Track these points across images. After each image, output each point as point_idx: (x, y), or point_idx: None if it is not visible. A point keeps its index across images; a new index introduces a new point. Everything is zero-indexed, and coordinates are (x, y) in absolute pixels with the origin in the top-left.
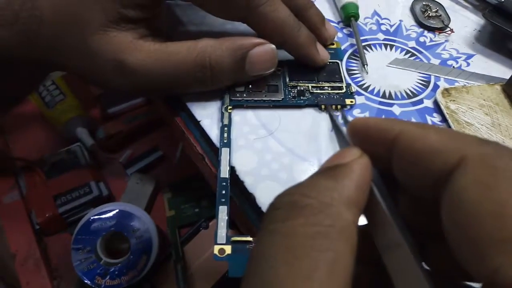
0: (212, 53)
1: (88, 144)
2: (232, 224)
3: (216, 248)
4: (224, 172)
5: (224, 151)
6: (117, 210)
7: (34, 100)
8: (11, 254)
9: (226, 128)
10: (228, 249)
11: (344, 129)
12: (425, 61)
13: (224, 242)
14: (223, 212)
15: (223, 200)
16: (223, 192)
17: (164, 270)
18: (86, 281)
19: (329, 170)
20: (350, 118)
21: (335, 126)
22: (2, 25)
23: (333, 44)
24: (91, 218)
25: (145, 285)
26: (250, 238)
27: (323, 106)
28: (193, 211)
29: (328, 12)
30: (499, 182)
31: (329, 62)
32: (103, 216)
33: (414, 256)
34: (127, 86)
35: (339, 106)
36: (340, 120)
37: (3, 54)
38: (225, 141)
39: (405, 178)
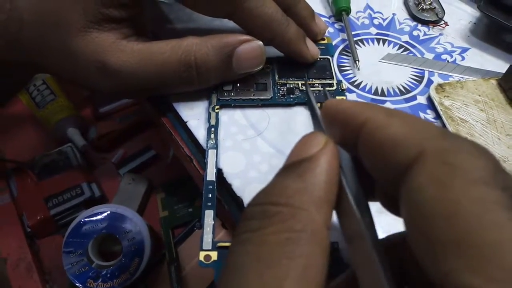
0: (198, 51)
1: (80, 144)
2: (222, 225)
3: (202, 255)
4: (211, 175)
5: (211, 153)
6: (108, 212)
7: (24, 100)
8: (3, 258)
9: (213, 129)
10: (214, 255)
11: (318, 111)
12: (419, 55)
13: (210, 248)
14: (209, 217)
15: (209, 204)
16: (210, 196)
17: (158, 271)
18: (77, 285)
19: (295, 168)
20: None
21: (310, 105)
22: None
23: (323, 40)
24: (82, 220)
25: (139, 286)
26: None
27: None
28: (186, 211)
29: (319, 7)
30: (454, 181)
31: (320, 58)
32: (94, 218)
33: (376, 250)
34: (111, 88)
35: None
36: (315, 100)
37: None
38: (212, 142)
39: (370, 169)
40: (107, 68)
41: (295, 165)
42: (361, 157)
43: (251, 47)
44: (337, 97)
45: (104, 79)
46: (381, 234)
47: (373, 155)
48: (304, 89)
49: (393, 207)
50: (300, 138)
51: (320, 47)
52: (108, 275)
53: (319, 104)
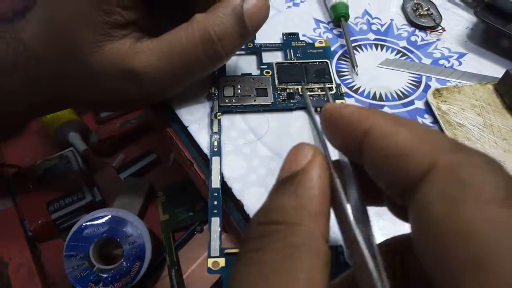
0: (213, 24)
1: (81, 149)
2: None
3: (210, 262)
4: (216, 182)
5: (215, 160)
6: (109, 216)
7: None
8: (4, 262)
9: (216, 136)
10: (222, 262)
11: (313, 112)
12: (416, 60)
13: (218, 255)
14: (215, 224)
15: (215, 211)
16: (215, 203)
17: (158, 275)
18: None
19: (288, 184)
20: (331, 99)
21: (309, 112)
22: (2, 74)
23: (322, 43)
24: (83, 224)
25: None
26: None
27: (318, 109)
28: (187, 215)
29: (318, 13)
30: (466, 197)
31: (318, 62)
32: (95, 222)
33: (370, 255)
34: (142, 93)
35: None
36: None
37: (10, 108)
38: (215, 149)
39: (376, 178)
40: (132, 74)
41: (288, 180)
42: (365, 165)
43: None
44: (337, 101)
45: (133, 86)
46: (380, 237)
47: (378, 165)
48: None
49: (400, 215)
50: (290, 149)
51: (318, 50)
52: (109, 279)
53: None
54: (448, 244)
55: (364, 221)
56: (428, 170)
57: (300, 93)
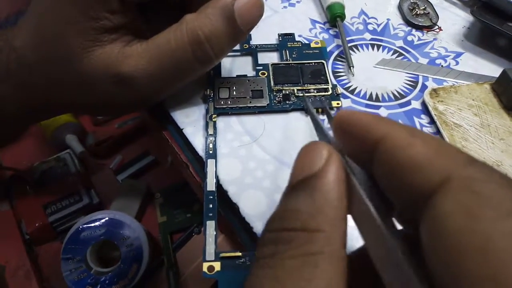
0: (201, 25)
1: (78, 151)
2: (220, 231)
3: (205, 266)
4: (211, 185)
5: (210, 163)
6: (106, 218)
7: None
8: (1, 265)
9: (211, 138)
10: (217, 266)
11: (320, 119)
12: (413, 60)
13: (213, 258)
14: (211, 228)
15: (211, 214)
16: (210, 206)
17: (156, 277)
18: None
19: (304, 187)
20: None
21: (312, 116)
22: None
23: (318, 44)
24: (81, 227)
25: None
26: (239, 253)
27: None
28: (185, 216)
29: (313, 13)
30: (484, 211)
31: (314, 62)
32: (93, 224)
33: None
34: (132, 98)
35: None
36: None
37: (6, 114)
38: (210, 152)
39: (385, 189)
40: (123, 78)
41: (303, 183)
42: (375, 174)
43: None
44: (333, 102)
45: (124, 90)
46: None
47: (390, 175)
48: (301, 95)
49: (409, 226)
50: (301, 149)
51: (314, 51)
52: (107, 282)
53: (324, 117)
54: (464, 258)
55: (387, 222)
56: (442, 183)
57: (296, 94)
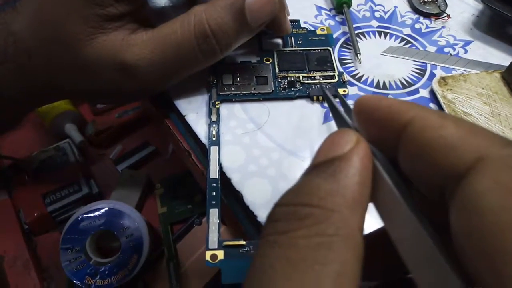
0: (209, 18)
1: (77, 140)
2: (222, 221)
3: (208, 254)
4: (214, 173)
5: (213, 150)
6: (106, 208)
7: None
8: (0, 255)
9: (214, 125)
10: (220, 254)
11: (339, 105)
12: (421, 48)
13: (216, 247)
14: (214, 216)
15: (214, 202)
16: (214, 193)
17: (156, 268)
18: (75, 282)
19: (326, 167)
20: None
21: (330, 104)
22: None
23: (323, 30)
24: (80, 217)
25: (137, 283)
26: (243, 242)
27: (314, 98)
28: (185, 207)
29: (319, 0)
30: None
31: (320, 49)
32: (92, 214)
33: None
34: (135, 86)
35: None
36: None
37: (4, 94)
38: (213, 139)
39: (411, 173)
40: (125, 66)
41: (326, 164)
42: (400, 158)
43: None
44: (339, 89)
45: (127, 79)
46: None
47: (419, 157)
48: (307, 82)
49: (431, 213)
50: (328, 136)
51: (320, 37)
52: (106, 272)
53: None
54: (504, 236)
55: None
56: (475, 162)
57: (302, 81)
